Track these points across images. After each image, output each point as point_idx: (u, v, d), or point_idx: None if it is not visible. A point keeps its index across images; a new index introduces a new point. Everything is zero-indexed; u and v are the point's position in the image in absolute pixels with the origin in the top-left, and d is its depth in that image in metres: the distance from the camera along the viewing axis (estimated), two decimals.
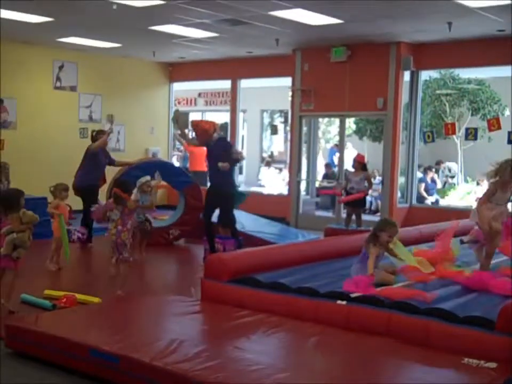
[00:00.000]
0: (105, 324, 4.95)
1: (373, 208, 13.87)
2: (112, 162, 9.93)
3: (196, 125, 8.41)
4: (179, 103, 17.42)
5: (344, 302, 4.95)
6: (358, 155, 10.67)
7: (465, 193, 13.29)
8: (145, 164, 9.96)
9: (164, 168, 9.79)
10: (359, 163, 10.18)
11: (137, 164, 9.92)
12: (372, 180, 11.26)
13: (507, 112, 13.66)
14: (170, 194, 13.68)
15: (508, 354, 4.09)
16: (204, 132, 8.20)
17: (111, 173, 9.72)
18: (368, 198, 13.25)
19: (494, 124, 8.93)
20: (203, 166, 12.49)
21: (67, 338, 4.39)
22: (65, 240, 7.39)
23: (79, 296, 5.97)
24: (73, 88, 13.49)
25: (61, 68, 13.27)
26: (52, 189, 7.76)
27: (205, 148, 8.53)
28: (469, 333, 4.34)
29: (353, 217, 10.35)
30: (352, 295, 5.01)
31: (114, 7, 8.97)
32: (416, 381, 3.85)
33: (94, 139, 9.73)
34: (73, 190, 9.22)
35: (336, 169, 13.81)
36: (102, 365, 4.14)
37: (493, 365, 3.98)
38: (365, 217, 10.70)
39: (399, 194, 12.00)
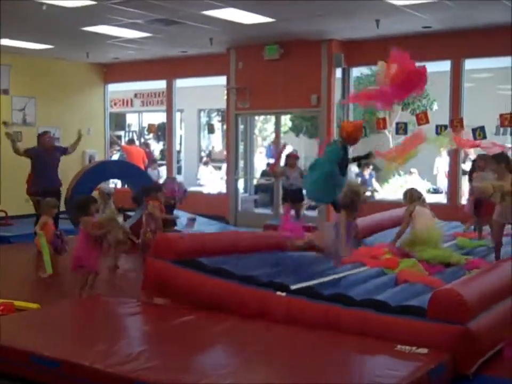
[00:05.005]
0: (44, 329, 4.91)
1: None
2: (65, 152, 9.99)
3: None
4: (115, 104, 17.25)
5: (283, 294, 5.07)
6: (292, 153, 10.89)
7: (398, 186, 13.62)
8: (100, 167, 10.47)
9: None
10: (295, 158, 10.36)
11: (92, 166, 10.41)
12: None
13: (435, 107, 14.06)
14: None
15: (439, 340, 4.28)
16: None
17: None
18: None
19: (422, 118, 9.19)
20: (140, 165, 12.62)
21: (6, 346, 4.36)
22: (46, 256, 7.32)
23: (17, 303, 5.89)
24: (5, 92, 13.19)
25: None
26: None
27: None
28: (401, 322, 4.51)
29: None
30: (292, 287, 5.13)
31: (44, 7, 8.85)
32: (352, 369, 4.00)
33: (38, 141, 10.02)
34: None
35: None
36: (43, 370, 4.12)
37: (424, 350, 4.16)
38: (305, 212, 10.85)
39: None
